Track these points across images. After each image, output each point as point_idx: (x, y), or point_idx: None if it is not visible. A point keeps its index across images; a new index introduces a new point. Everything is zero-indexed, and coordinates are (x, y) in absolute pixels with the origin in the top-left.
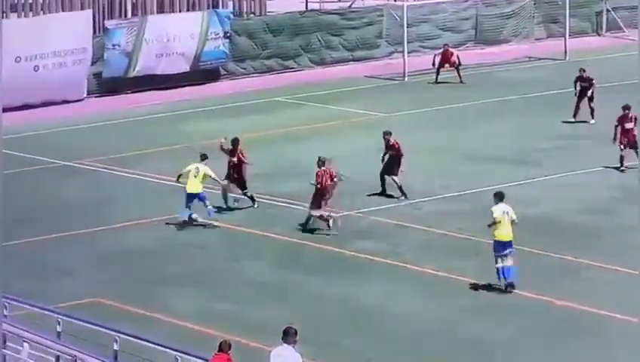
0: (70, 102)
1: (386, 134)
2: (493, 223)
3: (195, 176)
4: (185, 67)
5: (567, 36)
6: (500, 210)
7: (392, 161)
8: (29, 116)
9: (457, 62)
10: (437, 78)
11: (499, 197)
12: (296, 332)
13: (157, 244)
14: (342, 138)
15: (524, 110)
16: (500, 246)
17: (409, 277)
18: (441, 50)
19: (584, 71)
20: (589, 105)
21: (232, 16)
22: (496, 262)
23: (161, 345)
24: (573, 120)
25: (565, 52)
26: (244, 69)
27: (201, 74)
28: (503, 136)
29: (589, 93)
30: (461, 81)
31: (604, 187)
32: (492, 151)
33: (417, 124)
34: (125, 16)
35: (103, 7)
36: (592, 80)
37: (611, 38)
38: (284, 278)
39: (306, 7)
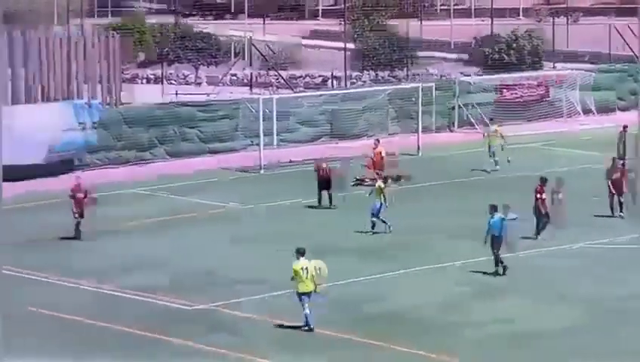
0: None
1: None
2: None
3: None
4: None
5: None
6: (298, 266)
7: None
8: None
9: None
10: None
11: (300, 252)
12: None
13: None
14: (198, 229)
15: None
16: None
17: None
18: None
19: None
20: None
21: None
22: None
23: None
24: None
25: (418, 148)
26: (99, 160)
27: (56, 165)
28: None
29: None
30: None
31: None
32: (351, 244)
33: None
34: None
35: None
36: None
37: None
38: None
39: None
